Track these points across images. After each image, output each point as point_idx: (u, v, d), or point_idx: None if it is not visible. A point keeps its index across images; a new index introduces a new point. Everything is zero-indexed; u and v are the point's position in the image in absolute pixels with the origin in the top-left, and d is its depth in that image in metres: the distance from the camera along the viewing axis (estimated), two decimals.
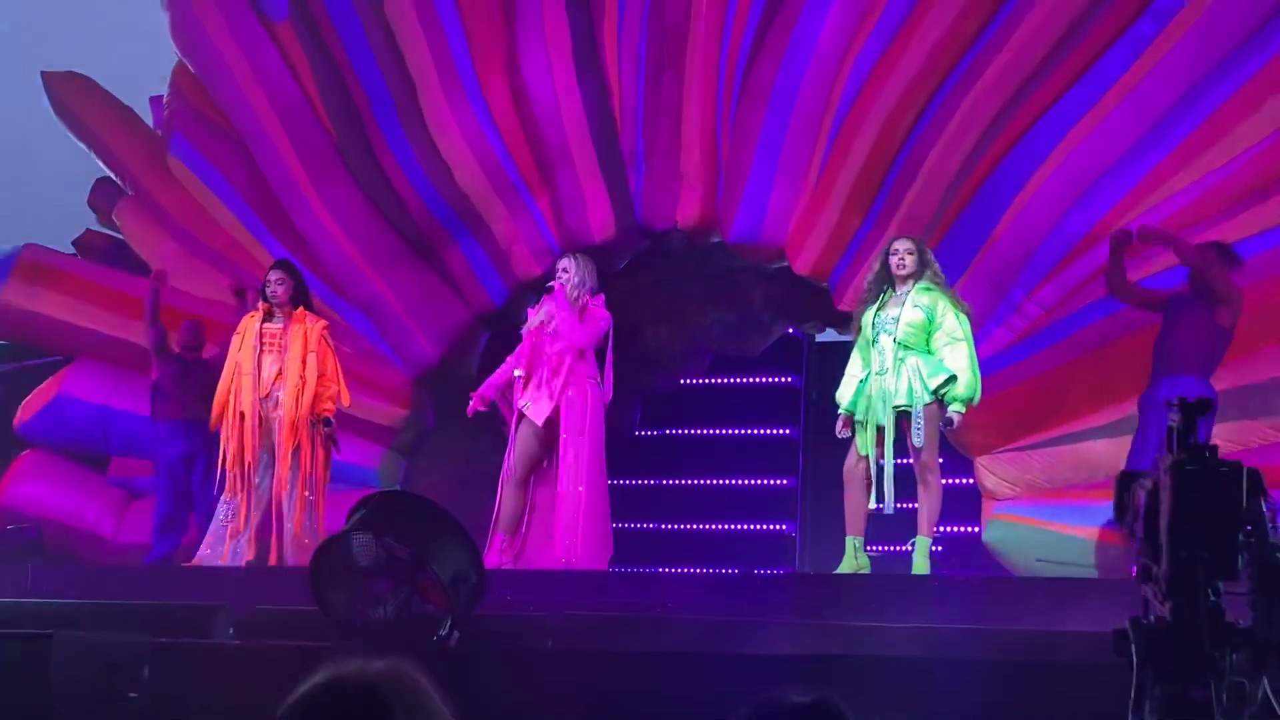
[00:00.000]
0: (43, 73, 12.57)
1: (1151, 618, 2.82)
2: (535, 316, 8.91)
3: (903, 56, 10.02)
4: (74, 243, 12.67)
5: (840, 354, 9.56)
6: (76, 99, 12.47)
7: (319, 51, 11.64)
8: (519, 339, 9.07)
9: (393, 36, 11.50)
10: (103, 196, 12.65)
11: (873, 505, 8.09)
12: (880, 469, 8.07)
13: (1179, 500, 2.75)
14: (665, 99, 10.97)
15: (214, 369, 10.26)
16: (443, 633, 5.94)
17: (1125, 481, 2.96)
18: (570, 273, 8.86)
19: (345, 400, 9.40)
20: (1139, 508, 2.86)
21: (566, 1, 11.10)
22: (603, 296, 8.91)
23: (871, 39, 10.14)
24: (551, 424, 8.71)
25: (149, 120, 12.59)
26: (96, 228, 12.80)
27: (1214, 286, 8.39)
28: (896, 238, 8.49)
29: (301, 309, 9.34)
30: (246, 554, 9.03)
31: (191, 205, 11.94)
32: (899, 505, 8.17)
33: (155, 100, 12.50)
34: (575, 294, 8.79)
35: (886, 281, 8.32)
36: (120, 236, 12.50)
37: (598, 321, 8.78)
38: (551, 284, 8.87)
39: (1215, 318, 8.47)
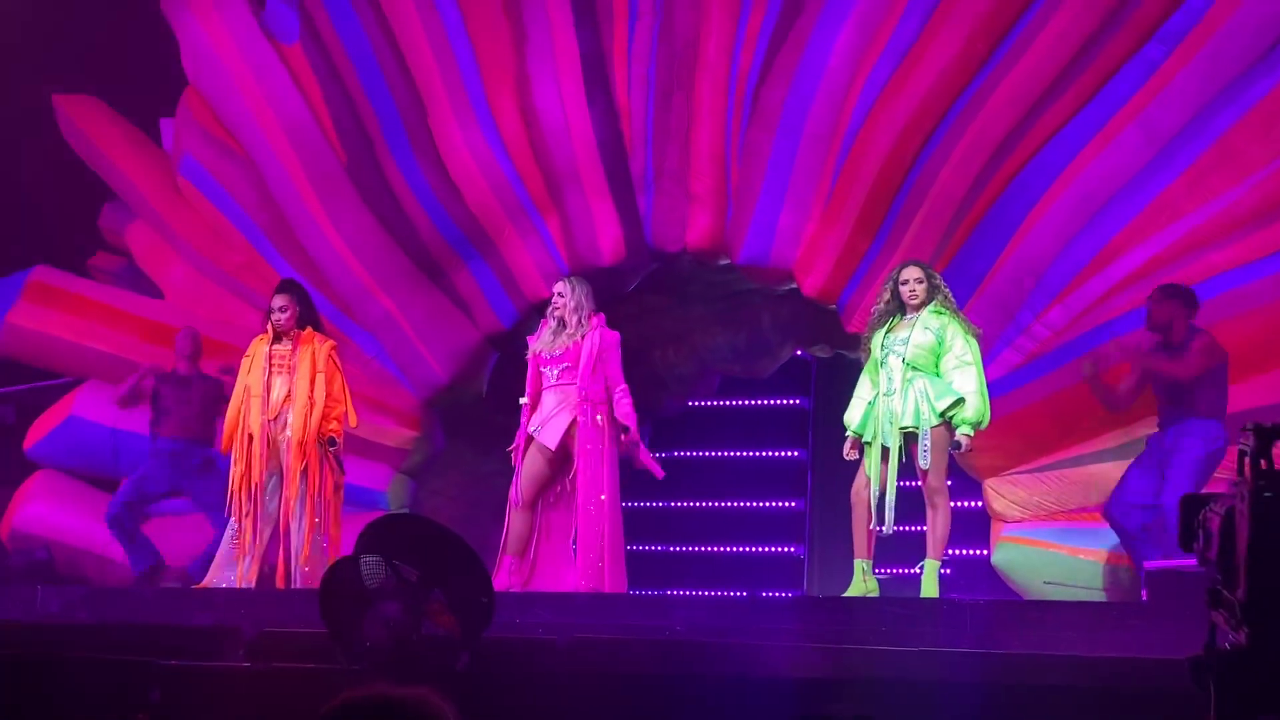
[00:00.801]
0: (53, 95, 12.61)
1: (1226, 643, 2.78)
2: (536, 343, 8.89)
3: (912, 79, 10.04)
4: (86, 265, 12.70)
5: (846, 373, 9.57)
6: (86, 121, 12.51)
7: (329, 74, 11.68)
8: (526, 363, 9.04)
9: (402, 58, 11.55)
10: (113, 219, 12.70)
11: (872, 526, 8.08)
12: (884, 491, 8.05)
13: (1258, 526, 2.71)
14: (675, 121, 11.00)
15: (214, 383, 10.32)
16: (452, 655, 5.94)
17: (1193, 507, 2.91)
18: (566, 297, 8.82)
19: (353, 421, 9.37)
20: (1212, 533, 2.82)
21: (576, 23, 11.14)
22: (603, 316, 8.89)
23: (881, 61, 10.16)
24: (563, 447, 8.70)
25: (159, 143, 12.64)
26: (107, 250, 12.84)
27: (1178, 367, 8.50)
28: (905, 265, 8.44)
29: (310, 329, 9.33)
30: (253, 576, 9.02)
31: (201, 227, 11.97)
32: (908, 528, 8.16)
33: (165, 122, 12.54)
34: (573, 318, 8.77)
35: (898, 309, 8.31)
36: (130, 259, 12.54)
37: (612, 348, 8.77)
38: (559, 315, 8.81)
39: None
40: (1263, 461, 2.74)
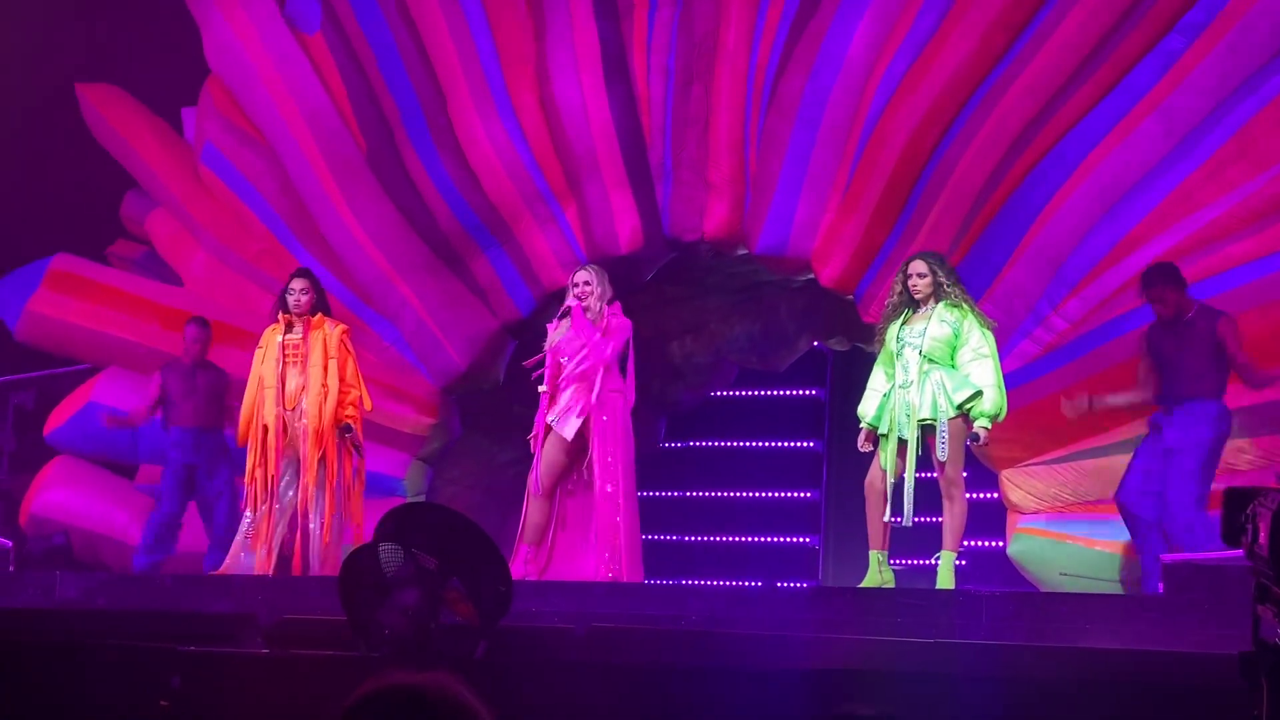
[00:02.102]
0: (76, 85, 12.66)
1: (1277, 638, 2.76)
2: (555, 333, 8.87)
3: (931, 69, 10.04)
4: (105, 253, 12.75)
5: (862, 365, 9.56)
6: (109, 110, 12.55)
7: (350, 63, 11.72)
8: (544, 352, 9.03)
9: (423, 48, 11.58)
10: (134, 207, 12.75)
11: (888, 518, 8.07)
12: (900, 482, 8.05)
13: None
14: (694, 111, 11.01)
15: (220, 372, 10.36)
16: (469, 643, 5.97)
17: (1240, 501, 2.87)
18: (593, 285, 8.79)
19: (367, 404, 9.36)
20: (1261, 528, 2.79)
21: (596, 13, 11.16)
22: (619, 304, 8.89)
23: (900, 51, 10.17)
24: (580, 437, 8.71)
25: (181, 132, 12.68)
26: (128, 238, 12.89)
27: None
28: (913, 258, 8.38)
29: (320, 315, 9.32)
30: (268, 566, 9.05)
31: (222, 215, 12.02)
32: (924, 519, 8.16)
33: (187, 111, 12.59)
34: (597, 306, 8.76)
35: (909, 303, 8.30)
36: (151, 247, 12.58)
37: (621, 332, 8.78)
38: (569, 304, 8.79)
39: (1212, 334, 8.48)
40: None
